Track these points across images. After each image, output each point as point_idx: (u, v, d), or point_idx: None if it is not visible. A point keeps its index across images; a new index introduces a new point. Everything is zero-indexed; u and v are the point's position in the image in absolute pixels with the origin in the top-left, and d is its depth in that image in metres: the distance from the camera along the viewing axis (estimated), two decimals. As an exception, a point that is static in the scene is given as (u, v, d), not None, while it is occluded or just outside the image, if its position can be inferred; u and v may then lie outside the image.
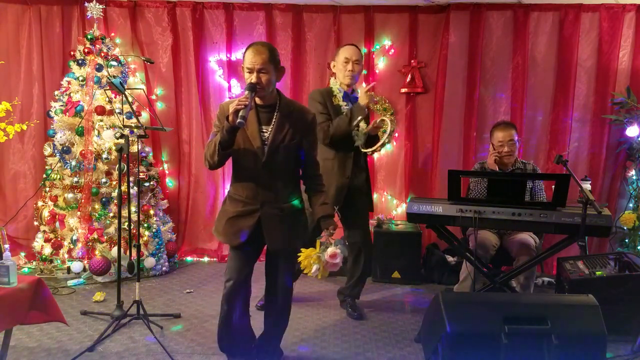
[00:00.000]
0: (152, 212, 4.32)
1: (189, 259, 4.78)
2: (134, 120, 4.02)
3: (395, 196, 4.73)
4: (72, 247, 4.08)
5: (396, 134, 4.66)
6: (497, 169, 3.53)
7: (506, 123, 3.65)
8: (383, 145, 3.34)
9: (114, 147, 4.11)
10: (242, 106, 2.16)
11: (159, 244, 4.25)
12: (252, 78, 2.25)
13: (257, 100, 2.35)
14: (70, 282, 3.97)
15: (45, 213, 4.19)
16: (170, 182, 4.82)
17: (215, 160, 2.30)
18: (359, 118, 3.21)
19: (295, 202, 2.48)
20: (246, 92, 2.23)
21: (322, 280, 4.23)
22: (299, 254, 2.40)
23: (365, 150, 3.35)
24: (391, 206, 4.74)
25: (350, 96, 3.36)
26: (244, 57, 2.31)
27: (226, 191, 4.65)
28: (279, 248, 2.45)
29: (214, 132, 2.36)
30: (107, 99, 4.17)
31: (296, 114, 2.40)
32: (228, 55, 4.65)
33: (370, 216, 4.17)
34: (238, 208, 2.41)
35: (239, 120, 2.14)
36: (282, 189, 2.42)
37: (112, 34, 4.58)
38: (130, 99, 3.39)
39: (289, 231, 2.44)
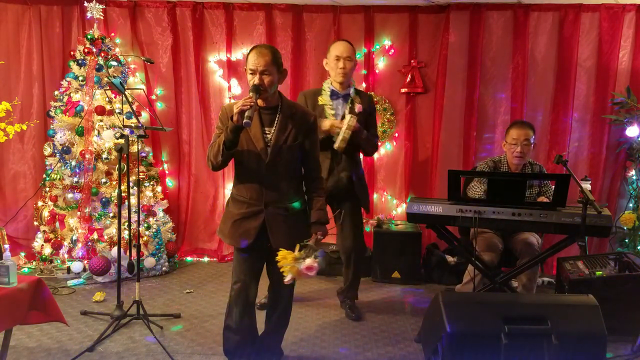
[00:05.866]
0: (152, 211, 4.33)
1: (189, 259, 4.78)
2: (134, 120, 4.03)
3: (395, 196, 4.73)
4: (72, 247, 4.09)
5: (396, 134, 4.66)
6: (511, 168, 3.48)
7: (523, 122, 3.53)
8: (344, 139, 3.18)
9: (113, 147, 4.11)
10: (248, 106, 2.17)
11: (159, 244, 4.25)
12: (255, 80, 2.27)
13: (260, 102, 2.35)
14: (70, 282, 3.97)
15: (45, 213, 4.19)
16: (170, 182, 4.82)
17: (219, 160, 2.31)
18: None
19: (299, 202, 2.48)
20: (250, 93, 2.24)
21: (322, 279, 4.23)
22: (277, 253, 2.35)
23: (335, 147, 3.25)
24: (391, 206, 4.74)
25: (340, 94, 3.33)
26: (247, 59, 2.33)
27: (226, 191, 4.73)
28: (283, 247, 2.44)
29: (217, 134, 2.37)
30: (107, 99, 4.17)
31: (298, 116, 2.43)
32: (228, 55, 4.65)
33: (370, 216, 4.18)
34: (242, 210, 2.42)
35: (245, 120, 2.16)
36: (285, 189, 2.43)
37: (112, 34, 4.58)
38: (130, 99, 3.39)
39: (293, 230, 2.45)
